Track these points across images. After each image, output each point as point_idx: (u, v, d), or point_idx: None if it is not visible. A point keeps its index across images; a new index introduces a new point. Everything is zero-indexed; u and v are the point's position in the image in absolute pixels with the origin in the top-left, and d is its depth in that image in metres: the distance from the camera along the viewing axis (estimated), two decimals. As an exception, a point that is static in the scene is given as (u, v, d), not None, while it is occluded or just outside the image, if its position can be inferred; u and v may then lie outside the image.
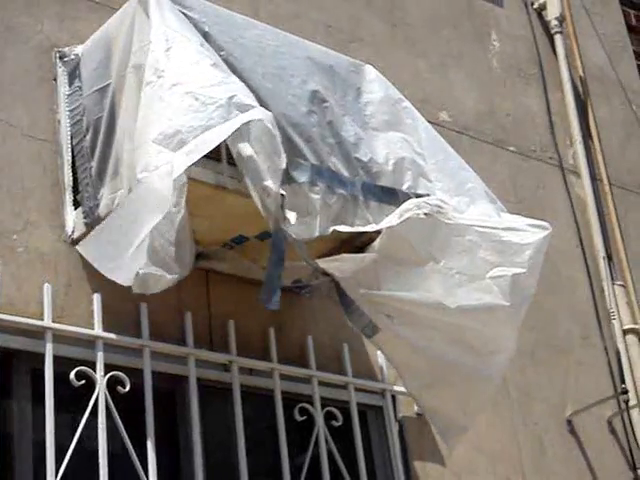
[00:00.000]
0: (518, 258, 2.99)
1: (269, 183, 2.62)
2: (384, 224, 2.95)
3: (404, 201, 3.02)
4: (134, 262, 2.63)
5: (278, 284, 2.62)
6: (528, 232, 3.05)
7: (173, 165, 2.49)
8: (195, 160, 2.52)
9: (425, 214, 2.93)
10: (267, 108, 2.85)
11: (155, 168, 2.51)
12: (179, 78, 2.62)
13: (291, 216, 2.68)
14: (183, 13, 2.85)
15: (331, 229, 2.88)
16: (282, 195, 2.65)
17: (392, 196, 3.05)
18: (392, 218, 2.95)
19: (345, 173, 2.99)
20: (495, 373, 3.13)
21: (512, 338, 3.08)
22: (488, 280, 2.97)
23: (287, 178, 2.82)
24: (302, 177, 2.85)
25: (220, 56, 2.85)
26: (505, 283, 2.97)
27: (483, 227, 3.02)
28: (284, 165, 2.65)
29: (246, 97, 2.61)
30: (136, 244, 2.58)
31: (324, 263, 2.93)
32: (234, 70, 2.86)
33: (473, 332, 3.02)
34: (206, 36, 2.86)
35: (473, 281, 2.97)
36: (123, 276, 2.70)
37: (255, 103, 2.61)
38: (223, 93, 2.59)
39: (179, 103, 2.57)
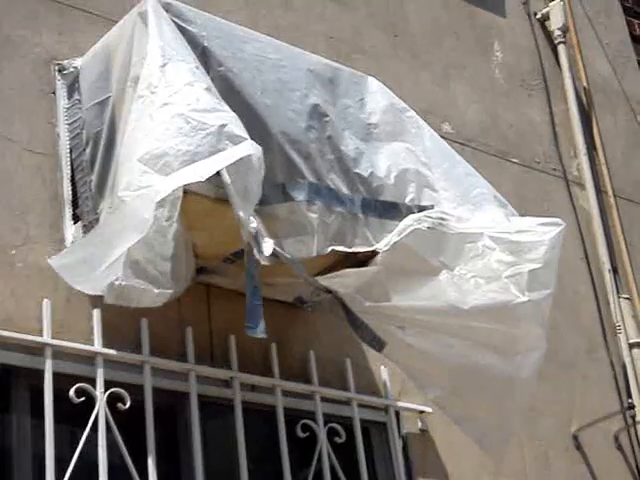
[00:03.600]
0: (533, 255, 2.98)
1: (241, 214, 2.60)
2: (382, 244, 2.93)
3: (406, 214, 3.01)
4: (106, 275, 2.61)
5: (260, 312, 2.62)
6: (541, 230, 3.03)
7: (156, 190, 2.48)
8: (178, 187, 2.51)
9: (427, 228, 2.91)
10: (266, 125, 2.84)
11: (137, 188, 2.51)
12: (171, 97, 2.60)
13: (267, 245, 2.65)
14: (183, 27, 2.83)
15: (329, 249, 2.87)
16: (253, 227, 2.63)
17: (394, 210, 3.04)
18: (392, 237, 2.93)
19: (344, 190, 2.97)
20: (528, 374, 3.06)
21: (539, 335, 3.02)
22: (505, 280, 2.95)
23: (284, 197, 2.81)
24: (299, 196, 2.84)
25: (219, 71, 2.84)
26: (522, 279, 2.95)
27: (492, 233, 3.01)
28: (256, 201, 2.64)
29: (237, 127, 2.60)
30: (111, 261, 2.57)
31: (325, 280, 2.91)
32: (233, 86, 2.85)
33: (496, 333, 2.98)
34: (205, 51, 2.84)
35: (490, 283, 2.95)
36: (91, 286, 2.68)
37: (246, 134, 2.60)
38: (214, 120, 2.58)
39: (169, 124, 2.56)
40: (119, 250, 2.55)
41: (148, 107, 2.61)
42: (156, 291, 2.68)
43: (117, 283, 2.63)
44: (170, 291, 2.72)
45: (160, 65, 2.66)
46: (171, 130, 2.55)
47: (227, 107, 2.66)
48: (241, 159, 2.57)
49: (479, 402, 3.09)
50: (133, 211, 2.51)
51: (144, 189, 2.49)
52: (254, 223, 2.64)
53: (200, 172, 2.51)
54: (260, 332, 2.61)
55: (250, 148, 2.57)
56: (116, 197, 2.60)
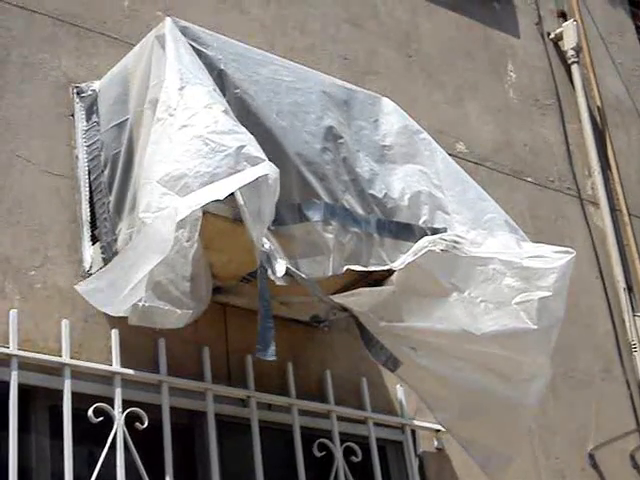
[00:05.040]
0: (543, 282, 2.98)
1: (254, 236, 2.62)
2: (398, 263, 2.95)
3: (420, 236, 3.02)
4: (130, 297, 2.63)
5: (271, 335, 2.62)
6: (551, 258, 3.03)
7: (177, 210, 2.50)
8: (198, 208, 2.53)
9: (441, 250, 2.93)
10: (282, 147, 2.87)
11: (157, 210, 2.54)
12: (190, 120, 2.63)
13: (279, 266, 2.67)
14: (199, 50, 2.86)
15: (344, 268, 2.89)
16: (264, 249, 2.64)
17: (408, 232, 3.06)
18: (406, 257, 2.95)
19: (359, 210, 3.00)
20: (532, 401, 3.08)
21: (546, 363, 3.04)
22: (514, 306, 2.96)
23: (301, 217, 2.83)
24: (315, 216, 2.86)
25: (235, 94, 2.87)
26: (532, 307, 2.95)
27: (503, 258, 3.01)
28: (269, 223, 2.65)
29: (255, 149, 2.63)
30: (134, 283, 2.59)
31: (341, 299, 2.92)
32: (249, 108, 2.88)
33: (503, 359, 2.99)
34: (222, 74, 2.87)
35: (499, 308, 2.96)
36: (115, 308, 2.70)
37: (263, 156, 2.62)
38: (233, 142, 2.60)
39: (188, 146, 2.59)
40: (142, 272, 2.57)
41: (167, 129, 2.64)
42: (179, 312, 2.71)
43: (140, 304, 2.65)
44: (191, 311, 2.74)
45: (178, 88, 2.69)
46: (190, 152, 2.58)
47: (244, 129, 2.68)
48: (257, 181, 2.58)
49: (485, 426, 3.10)
50: (154, 232, 2.53)
51: (164, 210, 2.52)
52: (267, 244, 2.65)
53: (218, 192, 2.53)
54: (270, 355, 2.62)
55: (268, 169, 2.59)
56: (137, 219, 2.62)
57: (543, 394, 3.13)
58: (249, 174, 2.57)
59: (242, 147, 2.60)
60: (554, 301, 2.99)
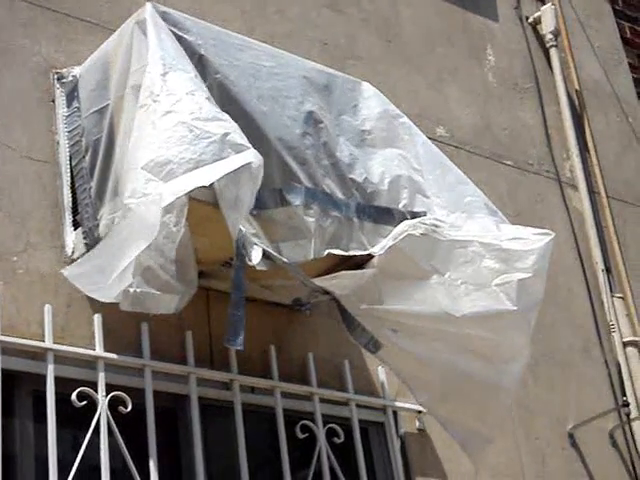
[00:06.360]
0: (522, 264, 3.00)
1: (229, 224, 2.63)
2: (378, 248, 2.97)
3: (400, 220, 3.04)
4: (119, 283, 2.64)
5: (242, 324, 2.64)
6: (531, 239, 3.06)
7: (162, 196, 2.51)
8: (183, 194, 2.54)
9: (421, 234, 2.95)
10: (262, 132, 2.88)
11: (142, 195, 2.53)
12: (174, 106, 2.63)
13: (255, 253, 2.68)
14: (180, 35, 2.87)
15: (326, 252, 2.90)
16: (241, 237, 2.65)
17: (388, 216, 3.07)
18: (386, 241, 2.96)
19: (339, 195, 3.01)
20: (511, 382, 3.11)
21: (525, 345, 3.06)
22: (494, 287, 2.98)
23: (282, 201, 2.84)
24: (296, 200, 2.88)
25: (216, 79, 2.88)
26: (511, 289, 2.97)
27: (482, 240, 3.04)
28: (247, 212, 2.66)
29: (239, 136, 2.63)
30: (121, 268, 2.60)
31: (322, 282, 2.94)
32: (229, 94, 2.88)
33: (483, 340, 3.01)
34: (202, 59, 2.88)
35: (479, 290, 2.97)
36: (104, 294, 2.71)
37: (248, 143, 2.62)
38: (217, 129, 2.60)
39: (172, 132, 2.59)
40: (128, 257, 2.58)
41: (151, 115, 2.64)
42: (170, 297, 2.72)
43: (132, 290, 2.66)
44: (180, 295, 2.75)
45: (161, 74, 2.69)
46: (174, 138, 2.58)
47: (227, 116, 2.69)
48: (238, 169, 2.59)
49: (465, 407, 3.13)
50: (140, 218, 2.54)
51: (148, 196, 2.52)
52: (242, 232, 2.66)
53: (203, 178, 2.54)
54: (239, 345, 2.63)
55: (252, 156, 2.60)
56: (122, 204, 2.62)
57: (522, 375, 3.16)
58: (234, 161, 2.57)
59: (227, 134, 2.60)
60: (533, 282, 3.01)
